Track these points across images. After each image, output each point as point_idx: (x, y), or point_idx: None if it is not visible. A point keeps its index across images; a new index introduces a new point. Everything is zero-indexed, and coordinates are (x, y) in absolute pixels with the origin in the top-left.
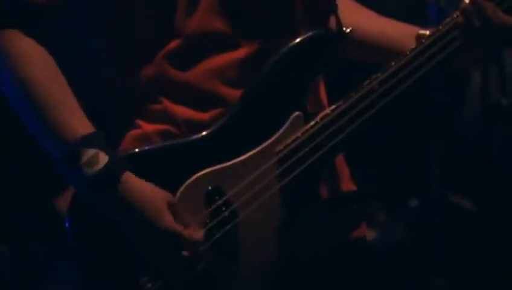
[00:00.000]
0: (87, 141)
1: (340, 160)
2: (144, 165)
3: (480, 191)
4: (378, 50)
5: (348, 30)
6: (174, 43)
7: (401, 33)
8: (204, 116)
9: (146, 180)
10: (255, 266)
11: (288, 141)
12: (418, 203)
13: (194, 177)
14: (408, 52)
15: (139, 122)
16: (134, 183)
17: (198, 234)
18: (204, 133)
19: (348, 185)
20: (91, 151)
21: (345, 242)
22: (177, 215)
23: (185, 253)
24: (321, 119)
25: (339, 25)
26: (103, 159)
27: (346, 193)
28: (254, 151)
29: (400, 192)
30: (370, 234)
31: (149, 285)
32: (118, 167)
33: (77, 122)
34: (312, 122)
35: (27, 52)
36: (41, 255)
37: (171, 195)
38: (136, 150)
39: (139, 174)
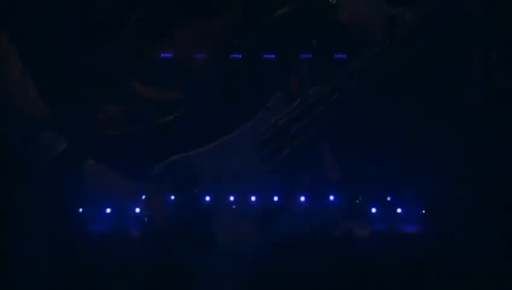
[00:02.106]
0: (45, 125)
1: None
2: (112, 150)
3: (480, 182)
4: None
5: (334, 1)
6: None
7: None
8: (177, 95)
9: (113, 166)
10: (235, 257)
11: (272, 122)
12: (414, 196)
13: (167, 161)
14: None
15: (106, 105)
16: (98, 168)
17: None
18: (178, 115)
19: (333, 173)
20: (50, 135)
21: (333, 234)
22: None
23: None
24: (305, 99)
25: None
26: (61, 144)
27: (332, 182)
28: (233, 134)
29: (395, 184)
30: (364, 228)
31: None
32: (79, 152)
33: (34, 105)
34: (296, 103)
35: None
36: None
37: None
38: (105, 134)
39: (107, 159)
